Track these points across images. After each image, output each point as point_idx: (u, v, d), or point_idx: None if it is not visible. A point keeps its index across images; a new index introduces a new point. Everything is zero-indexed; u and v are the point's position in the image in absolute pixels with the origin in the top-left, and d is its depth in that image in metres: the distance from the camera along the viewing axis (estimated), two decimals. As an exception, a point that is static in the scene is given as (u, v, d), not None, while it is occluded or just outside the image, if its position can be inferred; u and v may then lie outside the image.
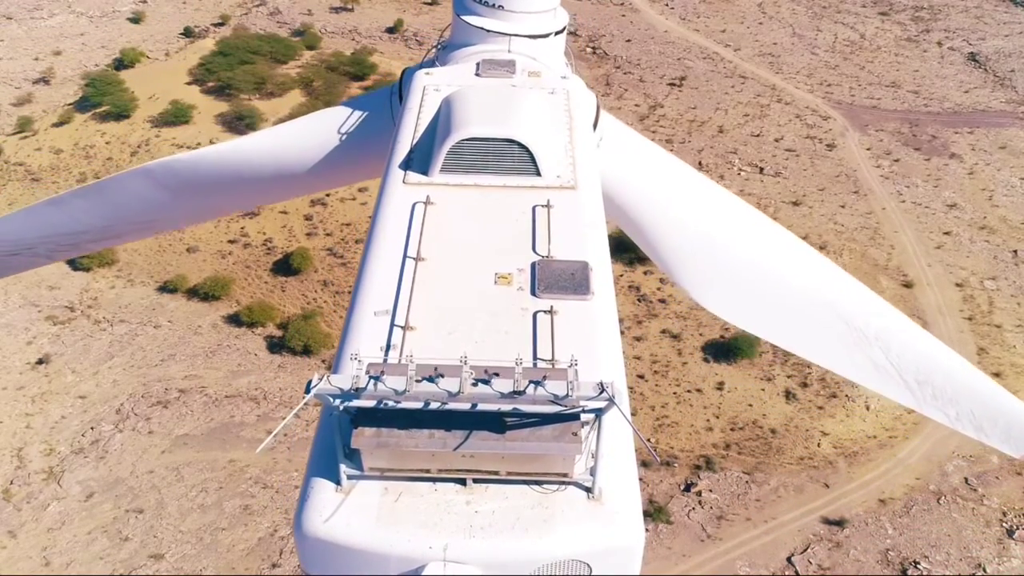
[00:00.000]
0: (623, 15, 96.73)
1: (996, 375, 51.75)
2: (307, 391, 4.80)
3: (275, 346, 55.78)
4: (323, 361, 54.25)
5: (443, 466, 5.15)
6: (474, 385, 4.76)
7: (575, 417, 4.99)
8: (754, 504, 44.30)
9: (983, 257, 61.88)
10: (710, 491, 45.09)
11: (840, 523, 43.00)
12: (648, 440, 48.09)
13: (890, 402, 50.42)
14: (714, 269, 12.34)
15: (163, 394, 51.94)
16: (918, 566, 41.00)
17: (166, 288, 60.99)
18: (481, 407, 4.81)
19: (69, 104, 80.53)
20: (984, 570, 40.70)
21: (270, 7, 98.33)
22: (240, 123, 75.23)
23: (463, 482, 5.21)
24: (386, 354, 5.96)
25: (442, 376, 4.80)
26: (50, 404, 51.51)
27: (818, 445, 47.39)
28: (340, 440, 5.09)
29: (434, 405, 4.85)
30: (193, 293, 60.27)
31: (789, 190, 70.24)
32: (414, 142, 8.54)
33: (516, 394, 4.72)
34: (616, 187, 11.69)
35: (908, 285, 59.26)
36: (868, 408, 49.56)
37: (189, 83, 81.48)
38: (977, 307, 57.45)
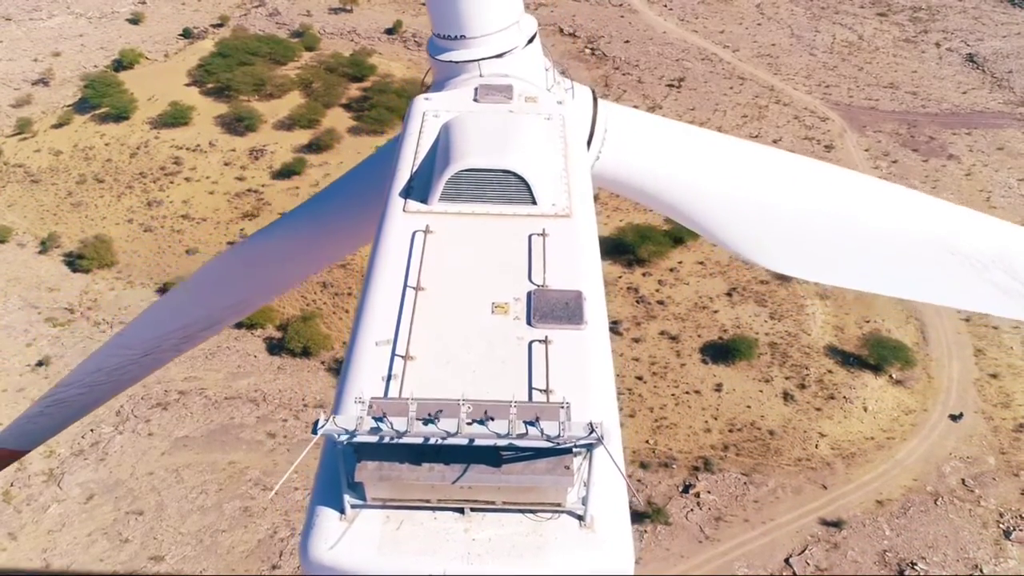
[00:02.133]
0: (622, 16, 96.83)
1: (993, 376, 51.98)
2: (314, 431, 5.02)
3: (274, 348, 55.89)
4: (322, 363, 54.38)
5: (442, 497, 5.37)
6: (471, 424, 4.96)
7: (567, 451, 5.17)
8: (752, 505, 44.46)
9: (981, 258, 61.96)
10: (708, 492, 45.24)
11: (838, 524, 43.16)
12: (647, 442, 48.28)
13: (888, 403, 50.63)
14: (776, 230, 11.33)
15: (162, 396, 52.05)
16: (915, 567, 41.17)
17: (166, 289, 61.04)
18: (478, 442, 5.01)
19: (68, 105, 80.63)
20: (981, 571, 40.87)
21: (269, 8, 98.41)
22: (240, 124, 75.37)
23: (461, 511, 5.43)
24: (387, 383, 6.12)
25: (441, 415, 4.98)
26: (50, 406, 51.65)
27: (816, 446, 47.55)
28: (344, 472, 5.28)
29: (434, 440, 5.04)
30: (192, 295, 60.33)
31: (787, 191, 70.24)
32: (414, 169, 8.66)
33: (510, 435, 4.93)
34: (639, 173, 11.36)
35: (906, 286, 59.37)
36: (866, 409, 49.74)
37: (188, 84, 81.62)
38: (974, 308, 57.58)
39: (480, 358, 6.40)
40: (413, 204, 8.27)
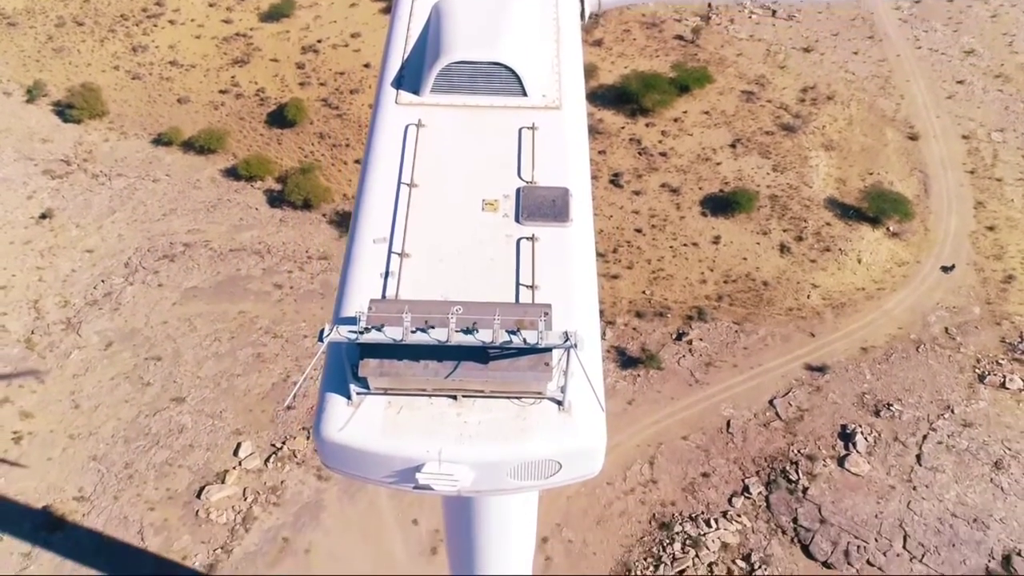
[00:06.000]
0: None
1: (990, 229, 52.43)
2: (320, 339, 5.53)
3: (275, 200, 55.98)
4: (323, 215, 54.69)
5: (437, 387, 5.98)
6: (459, 332, 5.44)
7: (548, 350, 5.70)
8: (742, 352, 46.55)
9: (994, 108, 60.37)
10: (700, 340, 47.20)
11: (822, 369, 45.41)
12: (643, 293, 49.62)
13: (882, 255, 51.47)
14: None
15: (168, 248, 52.90)
16: (891, 408, 43.81)
17: (160, 141, 60.15)
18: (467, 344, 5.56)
19: (36, -62, 74.90)
20: (952, 411, 43.53)
21: None
22: (221, -40, 70.39)
23: (455, 397, 6.05)
24: (384, 281, 6.53)
25: (433, 327, 5.47)
26: (59, 258, 52.61)
27: (808, 297, 48.96)
28: (349, 367, 5.86)
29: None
30: (188, 146, 59.53)
31: (801, 35, 67.10)
32: (405, 57, 8.50)
33: (494, 343, 5.45)
34: None
35: (913, 137, 58.36)
36: (860, 262, 50.66)
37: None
38: (981, 160, 56.95)
39: (471, 256, 6.78)
40: (405, 95, 8.27)
